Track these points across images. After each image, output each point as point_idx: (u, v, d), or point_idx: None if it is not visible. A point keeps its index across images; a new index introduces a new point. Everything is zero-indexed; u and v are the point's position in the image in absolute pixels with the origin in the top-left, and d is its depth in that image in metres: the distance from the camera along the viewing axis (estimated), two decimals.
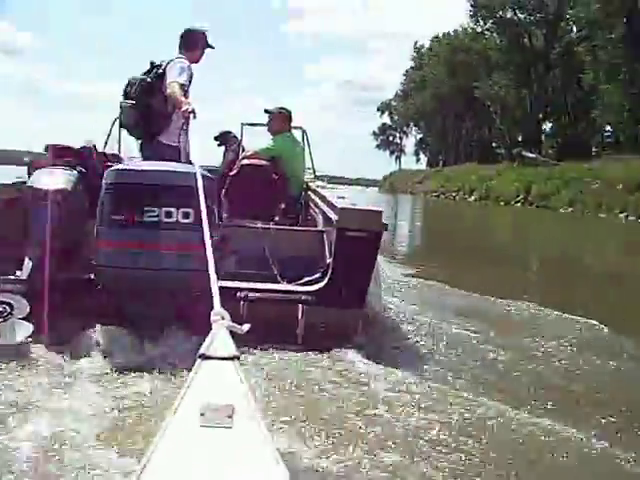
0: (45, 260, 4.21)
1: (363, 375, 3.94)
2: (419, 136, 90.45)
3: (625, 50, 40.52)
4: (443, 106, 72.17)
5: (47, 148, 5.12)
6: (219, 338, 1.65)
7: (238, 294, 4.30)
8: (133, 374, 3.74)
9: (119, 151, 6.41)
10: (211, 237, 4.07)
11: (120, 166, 4.50)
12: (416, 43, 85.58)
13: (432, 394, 3.76)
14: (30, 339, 3.95)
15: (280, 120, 6.86)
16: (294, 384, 3.70)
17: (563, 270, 12.00)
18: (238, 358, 1.56)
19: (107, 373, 3.78)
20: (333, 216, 4.74)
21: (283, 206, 6.42)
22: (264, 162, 6.41)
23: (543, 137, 57.09)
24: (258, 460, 1.24)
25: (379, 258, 5.01)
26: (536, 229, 24.33)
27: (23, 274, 4.31)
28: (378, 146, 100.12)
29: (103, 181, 4.32)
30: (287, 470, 1.18)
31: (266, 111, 6.98)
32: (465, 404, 3.66)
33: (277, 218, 6.07)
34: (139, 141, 5.70)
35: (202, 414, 1.35)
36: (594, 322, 6.07)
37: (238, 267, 4.87)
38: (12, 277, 4.31)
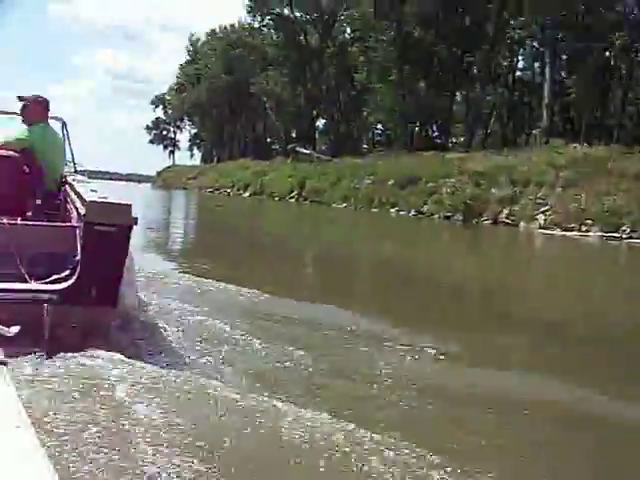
0: None
1: (113, 377, 3.72)
2: (193, 131, 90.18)
3: (396, 52, 42.98)
4: (218, 101, 72.29)
5: None
6: None
7: None
8: None
9: None
10: None
11: None
12: (192, 36, 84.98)
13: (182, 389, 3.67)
14: None
15: (36, 109, 6.32)
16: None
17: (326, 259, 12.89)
18: (5, 364, 1.68)
19: None
20: (82, 211, 4.50)
21: (39, 201, 5.94)
22: (12, 153, 5.88)
23: (317, 134, 59.18)
24: (24, 469, 1.23)
25: (135, 254, 4.84)
26: (310, 223, 25.36)
27: None
28: (152, 141, 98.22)
29: None
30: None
31: (20, 98, 6.40)
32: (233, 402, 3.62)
33: (30, 214, 5.61)
34: None
35: None
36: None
37: None
38: None
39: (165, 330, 5.17)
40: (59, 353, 3.90)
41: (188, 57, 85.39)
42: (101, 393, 3.43)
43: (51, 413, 2.98)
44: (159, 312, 5.80)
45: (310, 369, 4.62)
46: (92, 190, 4.91)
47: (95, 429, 2.99)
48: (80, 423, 3.03)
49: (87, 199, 4.46)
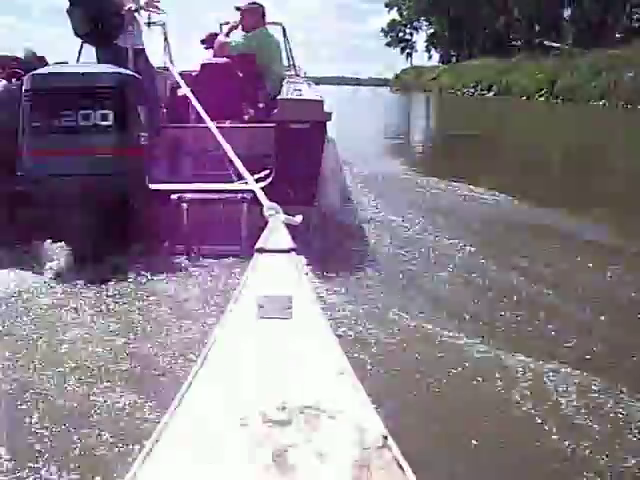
0: None
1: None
2: (430, 31, 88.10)
3: None
4: None
5: None
6: (276, 231, 1.70)
7: (172, 196, 4.22)
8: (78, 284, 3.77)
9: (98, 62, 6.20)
10: (139, 139, 4.04)
11: (36, 71, 4.37)
12: None
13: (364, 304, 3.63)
14: None
15: (252, 16, 6.58)
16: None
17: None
18: (295, 250, 1.59)
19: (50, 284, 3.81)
20: (276, 110, 4.60)
21: (262, 105, 6.25)
22: (225, 60, 6.21)
23: (564, 24, 55.08)
24: (318, 350, 1.26)
25: (340, 152, 4.86)
26: (576, 128, 21.27)
27: None
28: (388, 44, 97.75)
29: (23, 88, 4.24)
30: (347, 358, 1.19)
31: (237, 8, 6.71)
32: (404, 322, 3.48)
33: (247, 117, 5.91)
34: (95, 48, 5.49)
35: (260, 306, 1.37)
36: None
37: (194, 169, 4.77)
38: None
39: (365, 236, 5.11)
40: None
41: None
42: None
43: None
44: (369, 217, 5.74)
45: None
46: (295, 90, 5.03)
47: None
48: None
49: (279, 98, 4.58)
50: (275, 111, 4.47)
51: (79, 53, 6.38)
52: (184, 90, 5.61)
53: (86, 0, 5.11)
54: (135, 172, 4.21)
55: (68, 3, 5.24)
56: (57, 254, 4.08)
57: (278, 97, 4.58)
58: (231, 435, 1.04)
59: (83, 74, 4.23)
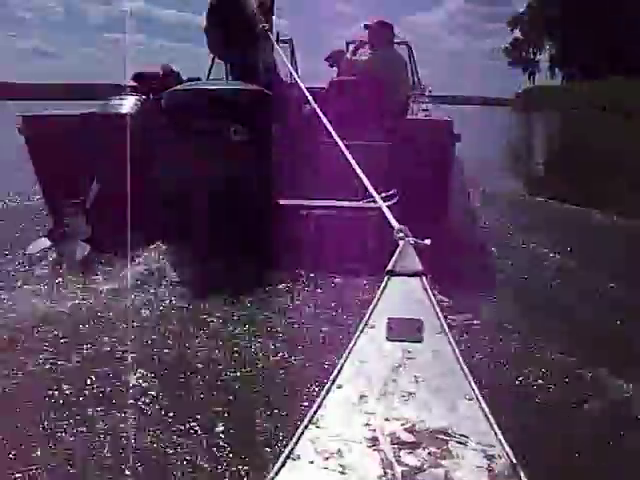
0: (111, 183, 4.41)
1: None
2: (554, 50, 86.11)
3: None
4: (582, 13, 67.98)
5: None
6: (406, 255, 1.72)
7: (301, 212, 4.32)
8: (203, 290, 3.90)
9: (226, 77, 6.45)
10: (270, 154, 4.17)
11: (175, 87, 4.61)
12: None
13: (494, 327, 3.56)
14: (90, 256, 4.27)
15: (380, 34, 6.64)
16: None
17: None
18: (425, 274, 1.60)
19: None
20: (405, 130, 4.65)
21: (386, 123, 6.28)
22: (352, 78, 6.27)
23: None
24: (447, 374, 1.27)
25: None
26: None
27: (89, 197, 4.53)
28: (510, 63, 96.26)
29: (162, 102, 4.49)
30: (475, 383, 1.20)
31: (365, 26, 6.79)
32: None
33: (372, 135, 5.94)
34: (228, 63, 5.70)
35: (390, 328, 1.40)
36: None
37: (322, 185, 4.85)
38: (76, 201, 4.51)
39: (494, 256, 5.02)
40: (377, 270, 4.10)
41: None
42: None
43: None
44: (495, 236, 5.66)
45: None
46: (423, 109, 5.05)
47: None
48: None
49: (408, 118, 4.65)
50: (405, 130, 4.52)
51: (210, 68, 6.60)
52: (312, 106, 5.76)
53: (223, 19, 5.33)
54: (265, 186, 4.32)
55: (205, 22, 5.47)
56: (188, 259, 4.23)
57: (407, 117, 4.61)
58: (361, 456, 1.05)
59: (219, 90, 4.41)
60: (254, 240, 4.21)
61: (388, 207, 4.30)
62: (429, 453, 1.04)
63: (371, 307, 1.49)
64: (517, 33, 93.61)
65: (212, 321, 3.52)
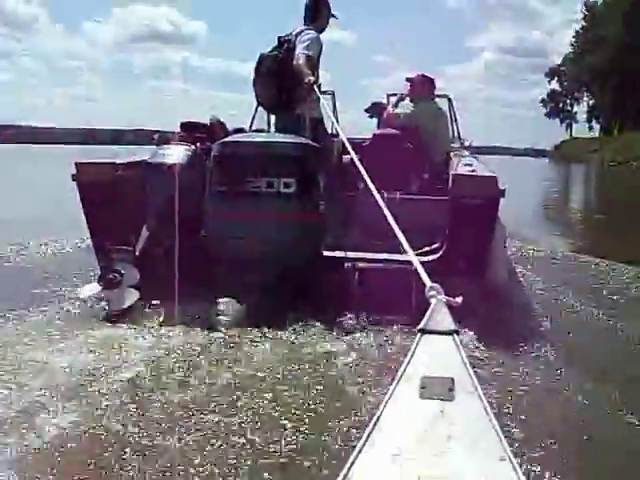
0: (160, 231, 4.56)
1: (473, 351, 3.83)
2: (592, 102, 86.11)
3: None
4: (620, 65, 68.06)
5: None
6: (438, 313, 1.73)
7: (346, 264, 4.36)
8: (249, 343, 3.95)
9: (268, 128, 6.58)
10: (318, 206, 4.24)
11: (225, 139, 4.70)
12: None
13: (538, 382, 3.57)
14: (143, 305, 4.38)
15: (421, 87, 6.81)
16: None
17: None
18: (457, 333, 1.62)
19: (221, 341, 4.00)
20: (449, 184, 4.68)
21: (426, 176, 6.39)
22: (395, 132, 6.39)
23: None
24: (480, 434, 1.27)
25: (505, 225, 4.84)
26: None
27: (138, 244, 4.66)
28: (547, 114, 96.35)
29: (211, 153, 4.56)
30: (507, 445, 1.21)
31: (407, 79, 6.96)
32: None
33: (415, 188, 6.03)
34: (274, 115, 5.88)
35: (423, 387, 1.41)
36: None
37: (363, 237, 4.92)
38: (124, 247, 4.65)
39: (530, 311, 5.04)
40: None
41: (584, 23, 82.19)
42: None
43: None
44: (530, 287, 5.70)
45: None
46: (466, 164, 5.10)
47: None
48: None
49: (453, 172, 4.67)
50: (452, 185, 4.57)
51: (253, 118, 6.76)
52: (352, 158, 5.89)
53: (272, 72, 5.50)
54: (313, 238, 4.41)
55: (254, 74, 5.66)
56: (232, 311, 4.33)
57: (454, 171, 4.67)
58: None
59: (270, 143, 4.52)
60: (301, 291, 4.29)
61: (430, 261, 4.43)
62: None
63: (404, 365, 1.52)
64: (554, 84, 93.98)
65: (257, 366, 3.59)
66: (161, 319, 4.29)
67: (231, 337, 4.05)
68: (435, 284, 1.97)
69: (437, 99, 7.08)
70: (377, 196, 4.13)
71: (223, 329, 4.17)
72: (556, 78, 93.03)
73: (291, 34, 5.61)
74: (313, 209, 4.39)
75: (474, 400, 1.38)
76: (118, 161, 5.11)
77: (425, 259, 4.53)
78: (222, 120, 5.73)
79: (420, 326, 1.67)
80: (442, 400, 1.38)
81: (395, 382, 1.46)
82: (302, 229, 4.38)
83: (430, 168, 6.48)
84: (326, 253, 4.51)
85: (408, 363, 1.53)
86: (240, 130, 5.87)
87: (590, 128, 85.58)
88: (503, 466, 1.17)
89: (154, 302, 4.45)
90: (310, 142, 4.54)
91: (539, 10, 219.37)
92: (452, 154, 6.53)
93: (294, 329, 4.15)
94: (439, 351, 1.59)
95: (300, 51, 5.39)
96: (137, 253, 4.61)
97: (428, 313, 1.72)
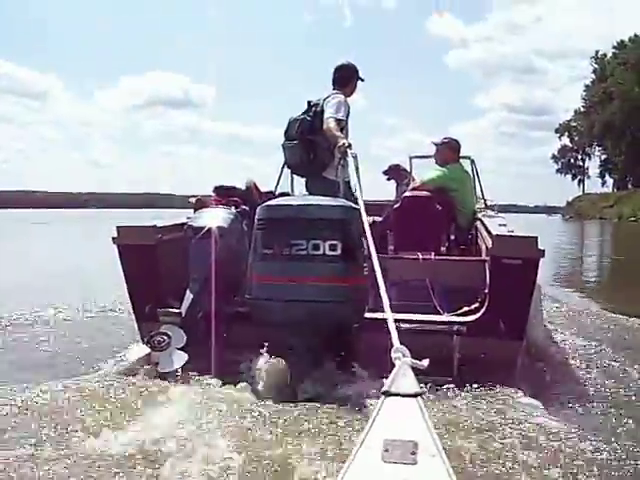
0: (203, 294, 4.71)
1: (523, 415, 3.89)
2: (604, 156, 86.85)
3: None
4: (633, 119, 68.90)
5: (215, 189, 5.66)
6: (402, 375, 1.77)
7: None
8: (291, 408, 3.99)
9: (292, 190, 6.75)
10: (363, 269, 4.36)
11: (269, 202, 4.83)
12: (597, 53, 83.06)
13: (599, 445, 3.55)
14: (187, 367, 4.46)
15: (446, 150, 7.09)
16: (451, 421, 3.77)
17: None
18: (422, 395, 1.67)
19: (264, 405, 4.07)
20: (489, 245, 4.82)
21: (453, 237, 6.63)
22: (426, 193, 6.62)
23: None
24: None
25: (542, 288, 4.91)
26: None
27: (183, 307, 4.78)
28: (559, 170, 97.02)
29: (256, 217, 4.72)
30: None
31: (434, 143, 7.26)
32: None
33: (444, 249, 6.25)
34: (304, 179, 6.12)
35: (386, 450, 1.46)
36: None
37: (399, 298, 5.03)
38: (171, 310, 4.77)
39: (572, 371, 5.15)
40: (467, 385, 4.25)
41: (593, 76, 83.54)
42: (500, 433, 3.59)
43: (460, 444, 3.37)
44: (565, 347, 5.84)
45: None
46: (500, 224, 5.27)
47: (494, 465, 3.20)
48: (482, 456, 3.28)
49: (494, 233, 4.79)
50: (490, 246, 4.71)
51: (278, 180, 6.97)
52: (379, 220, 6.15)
53: (299, 135, 5.78)
54: (358, 301, 4.52)
55: (284, 138, 5.95)
56: (272, 374, 4.39)
57: (494, 232, 4.80)
58: None
59: (314, 206, 4.62)
60: (346, 354, 4.40)
61: (470, 322, 4.60)
62: None
63: (367, 427, 1.55)
64: (564, 140, 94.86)
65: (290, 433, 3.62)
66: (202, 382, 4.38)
67: (265, 401, 4.11)
68: (401, 346, 1.96)
69: (461, 160, 7.35)
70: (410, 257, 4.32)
71: (260, 392, 4.25)
72: (567, 134, 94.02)
73: (320, 99, 5.91)
74: (358, 272, 4.49)
75: (436, 464, 1.40)
76: (159, 224, 5.29)
77: (465, 319, 4.71)
78: (255, 183, 5.93)
79: (384, 388, 1.69)
80: (405, 464, 1.41)
81: (357, 445, 1.49)
82: (348, 292, 4.44)
83: (457, 229, 6.75)
84: (367, 315, 4.62)
85: (371, 426, 1.55)
86: (283, 194, 6.05)
87: (603, 183, 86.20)
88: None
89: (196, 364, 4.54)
90: (352, 204, 4.69)
91: (542, 68, 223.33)
92: (479, 214, 6.79)
93: (336, 393, 4.18)
94: (403, 414, 1.61)
95: (329, 115, 5.62)
96: (183, 315, 4.71)
97: (392, 375, 1.74)
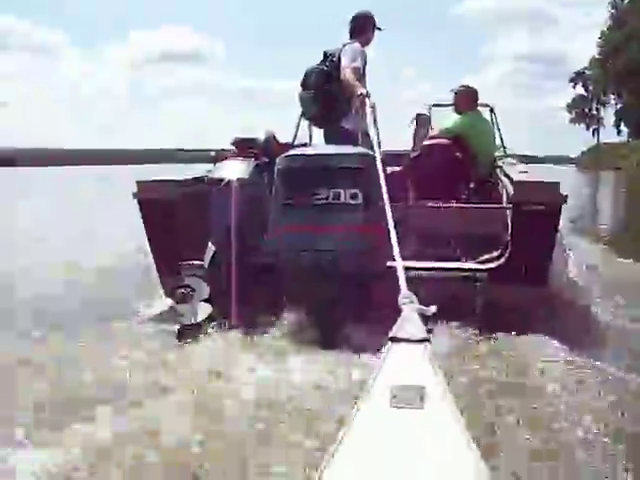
0: (226, 246, 4.74)
1: (545, 361, 3.92)
2: (619, 105, 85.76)
3: None
4: None
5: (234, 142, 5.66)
6: (409, 321, 1.79)
7: (411, 274, 4.48)
8: (317, 355, 4.04)
9: (310, 142, 6.70)
10: (383, 216, 4.39)
11: (289, 152, 4.85)
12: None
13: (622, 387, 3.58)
14: (211, 320, 4.51)
15: (465, 98, 7.05)
16: (474, 367, 3.81)
17: None
18: (429, 341, 1.68)
19: (289, 354, 4.11)
20: (511, 191, 4.80)
21: (472, 185, 6.62)
22: (446, 142, 6.62)
23: None
24: (450, 442, 1.33)
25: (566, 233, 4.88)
26: None
27: (205, 259, 4.82)
28: (573, 120, 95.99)
29: (275, 168, 4.74)
30: (479, 452, 1.26)
31: (452, 91, 7.22)
32: None
33: (464, 197, 6.25)
34: (322, 130, 6.11)
35: (393, 395, 1.47)
36: None
37: (419, 247, 5.04)
38: (194, 262, 4.80)
39: (596, 317, 5.14)
40: (487, 332, 4.27)
41: (610, 22, 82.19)
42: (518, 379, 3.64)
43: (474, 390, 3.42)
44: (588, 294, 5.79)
45: None
46: (521, 171, 5.24)
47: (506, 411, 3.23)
48: (493, 402, 3.33)
49: (515, 179, 4.78)
50: (512, 192, 4.70)
51: (296, 132, 6.95)
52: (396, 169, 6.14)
53: (318, 86, 5.75)
54: (377, 249, 4.56)
55: (300, 88, 5.92)
56: (295, 324, 4.44)
57: (515, 179, 4.79)
58: None
59: (334, 155, 4.65)
60: (367, 303, 4.40)
61: (492, 269, 4.61)
62: None
63: (375, 373, 1.56)
64: (579, 90, 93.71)
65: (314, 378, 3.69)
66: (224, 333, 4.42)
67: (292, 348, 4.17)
68: (409, 292, 1.99)
69: (480, 108, 7.31)
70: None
71: (285, 341, 4.29)
72: (581, 82, 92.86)
73: (336, 49, 5.85)
74: (379, 220, 4.52)
75: (444, 408, 1.42)
76: (179, 178, 5.33)
77: (487, 267, 4.73)
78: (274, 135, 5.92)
79: (391, 334, 1.69)
80: (413, 408, 1.42)
81: (365, 390, 1.50)
82: (370, 240, 4.46)
83: (476, 177, 6.74)
84: (389, 263, 4.63)
85: (379, 371, 1.56)
86: (302, 146, 6.03)
87: (618, 132, 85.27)
88: (474, 474, 1.21)
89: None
90: (371, 153, 4.67)
91: (556, 16, 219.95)
92: (499, 162, 6.77)
93: (355, 341, 4.21)
94: (410, 359, 1.62)
95: (346, 64, 5.59)
96: (206, 267, 4.75)
97: (399, 321, 1.76)
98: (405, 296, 2.01)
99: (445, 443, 1.30)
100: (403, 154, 7.22)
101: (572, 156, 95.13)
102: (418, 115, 7.62)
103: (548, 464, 2.79)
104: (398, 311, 4.38)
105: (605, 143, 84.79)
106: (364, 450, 1.30)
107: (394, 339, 1.69)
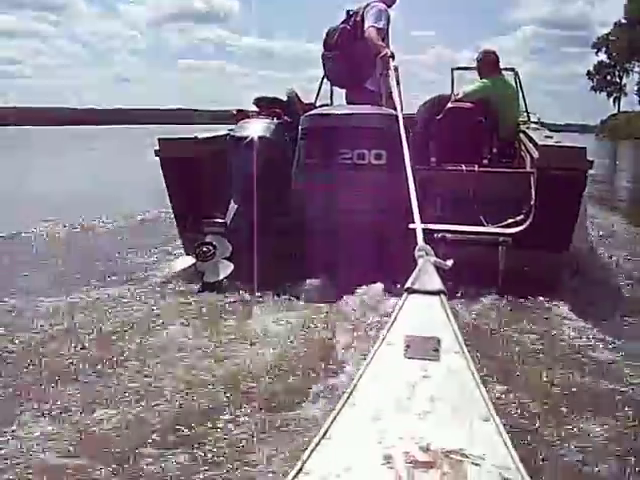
0: (248, 204, 4.74)
1: (566, 327, 3.94)
2: None
3: None
4: None
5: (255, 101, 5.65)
6: (425, 273, 1.76)
7: (435, 235, 4.46)
8: (333, 311, 4.13)
9: (331, 103, 6.72)
10: (400, 179, 4.37)
11: (313, 112, 4.84)
12: None
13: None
14: (231, 277, 4.60)
15: (488, 62, 6.99)
16: (490, 329, 3.88)
17: None
18: (444, 293, 1.66)
19: (308, 308, 4.22)
20: (535, 156, 4.76)
21: (495, 150, 6.59)
22: (468, 105, 6.56)
23: None
24: (464, 394, 1.32)
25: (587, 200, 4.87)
26: None
27: (227, 217, 4.86)
28: (594, 88, 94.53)
29: (299, 127, 4.72)
30: (492, 403, 1.27)
31: (476, 59, 7.16)
32: None
33: (486, 161, 6.21)
34: (344, 90, 6.07)
35: (408, 346, 1.46)
36: None
37: (442, 210, 5.05)
38: (216, 220, 4.83)
39: (615, 284, 5.15)
40: (509, 296, 4.34)
41: None
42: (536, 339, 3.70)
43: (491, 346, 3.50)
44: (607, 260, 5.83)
45: None
46: (546, 136, 5.19)
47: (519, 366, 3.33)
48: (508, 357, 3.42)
49: (540, 144, 4.73)
50: (537, 157, 4.68)
51: (318, 92, 6.90)
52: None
53: (341, 46, 5.67)
54: (402, 210, 4.55)
55: (323, 49, 5.86)
56: (315, 284, 4.52)
57: (540, 143, 4.75)
58: (374, 474, 1.09)
59: (359, 114, 4.64)
60: (390, 265, 4.46)
61: (516, 233, 4.60)
62: (443, 473, 1.07)
63: (389, 324, 1.54)
64: (601, 56, 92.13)
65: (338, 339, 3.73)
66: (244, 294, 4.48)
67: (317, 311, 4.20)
68: (425, 245, 1.97)
69: (504, 72, 7.25)
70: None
71: (309, 303, 4.34)
72: (604, 49, 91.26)
73: (359, 7, 5.76)
74: (402, 181, 4.50)
75: (459, 360, 1.41)
76: (200, 136, 5.30)
77: (511, 231, 4.72)
78: (297, 94, 5.89)
79: (406, 285, 1.68)
80: (427, 360, 1.41)
81: (379, 341, 1.49)
82: (393, 201, 4.45)
83: (498, 141, 6.69)
84: (411, 225, 4.63)
85: (393, 322, 1.55)
86: (325, 106, 5.98)
87: None
88: (487, 427, 1.20)
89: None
90: (394, 113, 4.64)
91: None
92: (523, 127, 6.72)
93: (377, 300, 4.24)
94: (425, 311, 1.61)
95: (370, 24, 5.48)
96: (228, 225, 4.78)
97: (415, 272, 1.73)
98: (421, 248, 1.97)
99: (459, 395, 1.31)
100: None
101: (591, 124, 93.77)
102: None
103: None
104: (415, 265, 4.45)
105: (625, 112, 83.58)
106: (375, 400, 1.31)
107: (409, 290, 1.68)
